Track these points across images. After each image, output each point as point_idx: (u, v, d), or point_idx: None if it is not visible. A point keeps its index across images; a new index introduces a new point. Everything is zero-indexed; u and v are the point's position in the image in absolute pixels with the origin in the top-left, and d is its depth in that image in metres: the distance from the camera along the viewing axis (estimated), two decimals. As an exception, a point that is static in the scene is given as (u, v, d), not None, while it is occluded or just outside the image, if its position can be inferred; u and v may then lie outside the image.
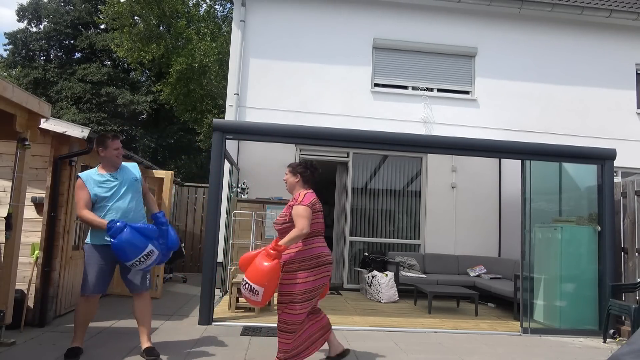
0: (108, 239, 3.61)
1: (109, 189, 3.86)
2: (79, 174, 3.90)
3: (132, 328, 4.91)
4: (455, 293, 6.51)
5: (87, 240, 3.89)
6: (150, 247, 3.62)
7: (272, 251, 3.33)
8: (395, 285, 7.30)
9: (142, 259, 3.60)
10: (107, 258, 3.80)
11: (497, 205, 8.67)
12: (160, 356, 3.86)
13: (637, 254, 5.70)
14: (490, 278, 7.54)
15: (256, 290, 3.30)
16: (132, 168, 4.10)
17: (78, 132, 4.92)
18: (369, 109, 8.54)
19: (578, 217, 6.02)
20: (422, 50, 8.86)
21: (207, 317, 5.23)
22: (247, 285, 3.34)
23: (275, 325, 5.30)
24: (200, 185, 10.70)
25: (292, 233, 3.44)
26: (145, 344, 3.89)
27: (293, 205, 3.59)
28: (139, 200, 4.00)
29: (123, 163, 4.06)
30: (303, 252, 3.56)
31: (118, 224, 3.60)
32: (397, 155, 8.60)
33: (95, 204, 3.83)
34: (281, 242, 3.42)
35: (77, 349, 3.85)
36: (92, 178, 3.87)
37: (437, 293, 6.52)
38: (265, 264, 3.29)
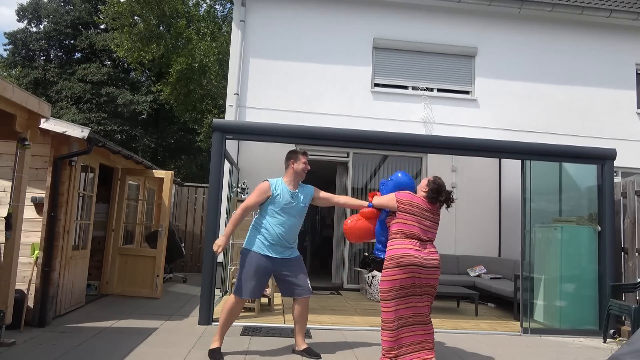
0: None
1: (287, 202, 4.07)
2: (269, 179, 4.15)
3: (132, 328, 4.91)
4: (455, 293, 6.50)
5: (249, 246, 4.08)
6: None
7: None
8: (395, 285, 7.29)
9: None
10: (267, 267, 4.06)
11: (497, 205, 8.67)
12: (159, 356, 3.87)
13: (637, 254, 5.70)
14: (490, 278, 7.54)
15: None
16: (308, 193, 4.26)
17: (78, 132, 4.93)
18: (369, 109, 8.53)
19: (578, 217, 6.02)
20: (422, 50, 8.86)
21: (207, 317, 5.23)
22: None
23: (275, 325, 5.32)
24: (200, 185, 10.70)
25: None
26: (303, 345, 4.20)
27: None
28: (300, 220, 4.21)
29: (303, 185, 4.26)
30: (388, 251, 3.84)
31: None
32: (397, 155, 8.59)
33: (267, 205, 4.07)
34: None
35: (219, 350, 4.02)
36: (280, 186, 4.10)
37: (437, 293, 6.49)
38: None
